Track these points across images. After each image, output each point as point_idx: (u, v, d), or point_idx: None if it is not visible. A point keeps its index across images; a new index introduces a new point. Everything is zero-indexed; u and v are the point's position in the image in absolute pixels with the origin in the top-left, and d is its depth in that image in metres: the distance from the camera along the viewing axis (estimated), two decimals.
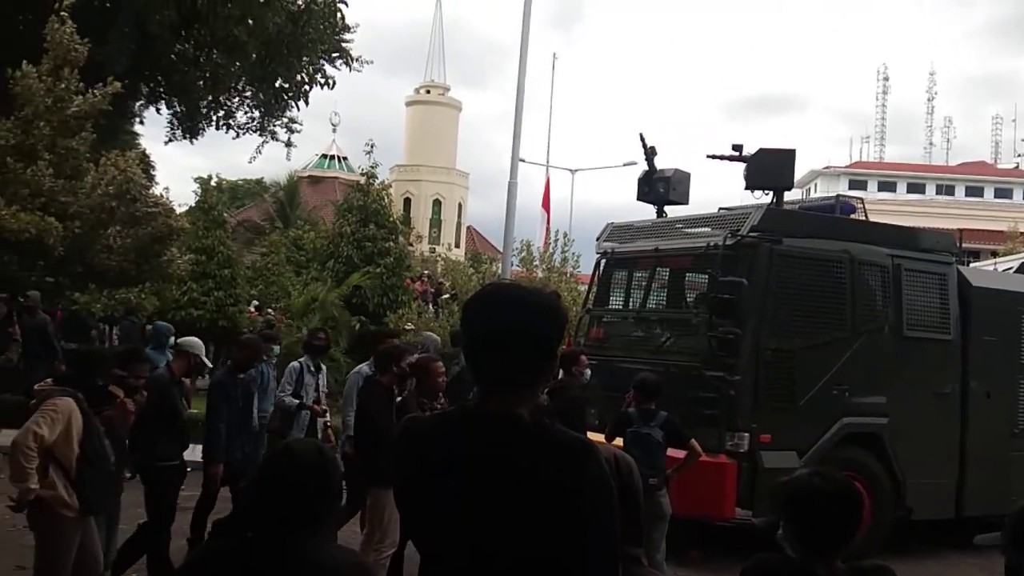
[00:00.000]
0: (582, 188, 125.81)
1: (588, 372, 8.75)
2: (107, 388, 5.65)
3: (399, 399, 6.45)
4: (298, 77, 7.37)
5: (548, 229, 23.08)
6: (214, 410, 7.00)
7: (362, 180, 23.68)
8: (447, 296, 21.80)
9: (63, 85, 12.59)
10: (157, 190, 14.12)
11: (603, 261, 10.16)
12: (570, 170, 33.85)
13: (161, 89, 24.35)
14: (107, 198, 12.63)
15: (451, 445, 1.99)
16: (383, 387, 6.57)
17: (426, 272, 25.93)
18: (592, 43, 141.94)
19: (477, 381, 2.07)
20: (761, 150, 9.18)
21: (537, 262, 21.45)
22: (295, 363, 8.42)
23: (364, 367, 7.84)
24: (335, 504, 2.45)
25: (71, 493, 4.83)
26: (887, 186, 55.43)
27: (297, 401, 8.20)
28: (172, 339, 9.91)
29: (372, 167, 23.28)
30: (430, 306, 21.18)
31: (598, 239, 10.31)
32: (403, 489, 2.12)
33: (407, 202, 46.88)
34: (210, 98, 9.23)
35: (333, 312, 18.22)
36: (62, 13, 12.77)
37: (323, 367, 8.87)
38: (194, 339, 7.20)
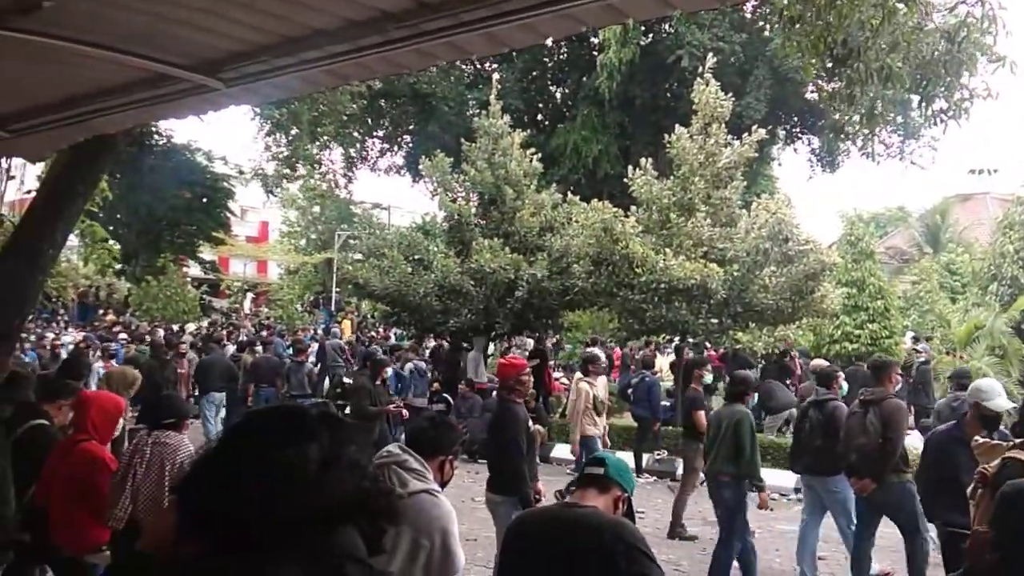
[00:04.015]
0: None
1: None
2: None
3: None
4: (957, 95, 6.76)
5: None
6: None
7: (1022, 192, 21.34)
8: None
9: (712, 141, 13.87)
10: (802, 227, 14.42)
11: None
12: None
13: (796, 129, 25.13)
14: (761, 240, 13.43)
15: None
16: None
17: None
18: None
19: None
20: None
21: None
22: None
23: None
24: None
25: None
26: None
27: None
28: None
29: None
30: None
31: None
32: None
33: None
34: (859, 132, 9.05)
35: (1001, 340, 16.68)
36: (706, 75, 14.03)
37: None
38: (991, 382, 6.31)
